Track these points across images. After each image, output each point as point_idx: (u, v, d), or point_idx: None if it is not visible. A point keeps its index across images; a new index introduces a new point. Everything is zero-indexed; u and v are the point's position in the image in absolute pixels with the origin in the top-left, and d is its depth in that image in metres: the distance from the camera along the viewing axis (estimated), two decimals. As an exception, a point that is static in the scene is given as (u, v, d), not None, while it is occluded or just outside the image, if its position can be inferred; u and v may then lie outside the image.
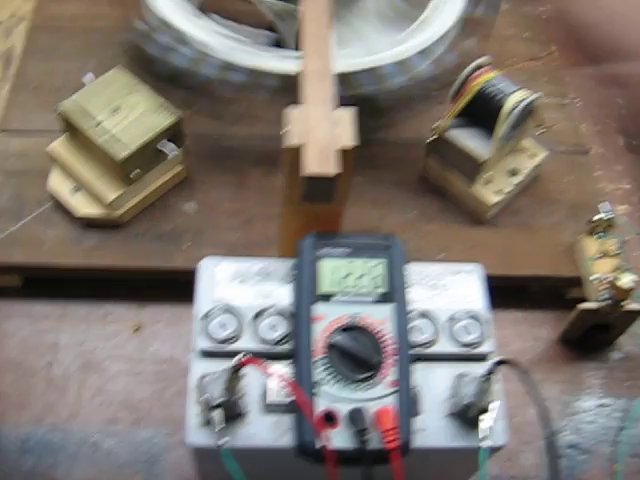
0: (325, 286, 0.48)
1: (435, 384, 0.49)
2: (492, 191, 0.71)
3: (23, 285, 0.69)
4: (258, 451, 0.47)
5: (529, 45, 0.88)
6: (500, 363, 0.46)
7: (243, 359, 0.43)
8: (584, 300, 0.67)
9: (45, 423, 0.62)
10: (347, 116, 0.50)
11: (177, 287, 0.62)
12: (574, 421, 0.67)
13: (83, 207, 0.68)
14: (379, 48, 0.73)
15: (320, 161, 0.48)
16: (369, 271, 0.49)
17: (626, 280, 0.63)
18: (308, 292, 0.48)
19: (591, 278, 0.67)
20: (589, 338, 0.69)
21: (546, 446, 0.45)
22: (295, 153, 0.49)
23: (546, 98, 0.81)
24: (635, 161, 0.85)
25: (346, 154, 0.49)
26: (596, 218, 0.69)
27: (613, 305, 0.65)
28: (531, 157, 0.74)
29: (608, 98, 0.90)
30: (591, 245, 0.70)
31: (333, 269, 0.49)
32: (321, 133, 0.49)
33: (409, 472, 0.47)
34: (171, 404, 0.64)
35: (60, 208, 0.69)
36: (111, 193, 0.67)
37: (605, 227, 0.69)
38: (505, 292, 0.71)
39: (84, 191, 0.68)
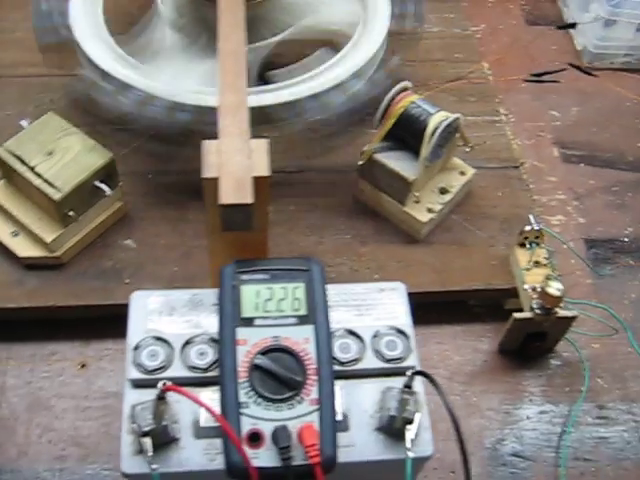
0: (247, 311, 0.50)
1: (362, 400, 0.51)
2: (423, 210, 0.73)
3: (-32, 329, 0.70)
4: (192, 475, 0.48)
5: (460, 65, 0.91)
6: (416, 374, 0.47)
7: (163, 387, 0.44)
8: (521, 310, 0.69)
9: (-6, 463, 0.63)
10: (262, 146, 0.52)
11: (120, 323, 0.63)
12: (516, 429, 0.68)
13: (24, 250, 0.69)
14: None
15: (235, 191, 0.49)
16: (289, 294, 0.51)
17: (553, 288, 0.65)
18: (231, 317, 0.50)
19: (524, 287, 0.69)
20: (527, 347, 0.71)
21: (460, 450, 0.46)
22: (213, 184, 0.50)
23: (475, 117, 0.84)
24: (569, 171, 0.87)
25: (261, 182, 0.51)
26: (527, 229, 0.72)
27: (545, 313, 0.67)
28: (461, 175, 0.76)
29: (542, 111, 0.93)
30: (523, 256, 0.72)
31: (254, 294, 0.51)
32: (236, 164, 0.51)
33: (341, 487, 0.49)
34: (118, 438, 0.64)
35: (1, 251, 0.70)
36: (50, 234, 0.68)
37: (534, 238, 0.72)
38: (443, 307, 0.74)
39: (24, 234, 0.70)
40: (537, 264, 0.71)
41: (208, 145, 0.52)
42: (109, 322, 0.69)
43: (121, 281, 0.69)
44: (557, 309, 0.67)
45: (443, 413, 0.68)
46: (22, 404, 0.66)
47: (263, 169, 0.51)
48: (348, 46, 0.78)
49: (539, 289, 0.67)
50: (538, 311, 0.67)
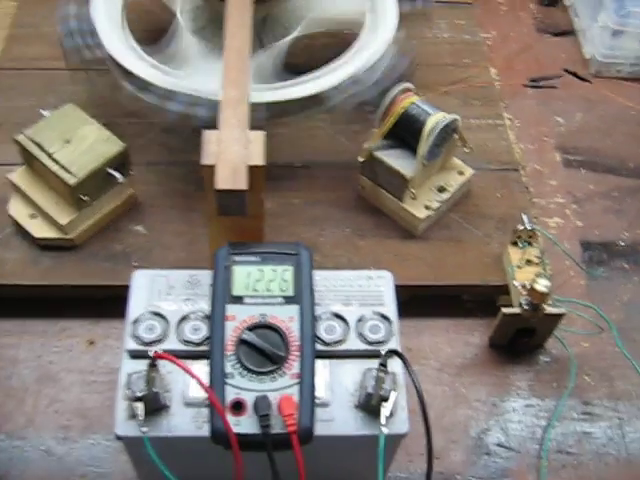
0: (237, 290, 0.54)
1: (344, 379, 0.54)
2: (421, 207, 0.76)
3: (-14, 305, 0.74)
4: (180, 440, 0.51)
5: (468, 71, 0.94)
6: (390, 353, 0.50)
7: (154, 354, 0.48)
8: (512, 305, 0.72)
9: (3, 431, 0.67)
10: (259, 138, 0.56)
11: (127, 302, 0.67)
12: (501, 421, 0.71)
13: (40, 231, 0.73)
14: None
15: (231, 177, 0.53)
16: (277, 276, 0.54)
17: (540, 285, 0.68)
18: (222, 295, 0.53)
19: (514, 284, 0.72)
20: (516, 342, 0.74)
21: (425, 431, 0.49)
22: (211, 171, 0.54)
23: (479, 120, 0.87)
24: (570, 176, 0.90)
25: (257, 171, 0.54)
26: (520, 228, 0.74)
27: (532, 309, 0.69)
28: (460, 175, 0.79)
29: (547, 117, 0.95)
30: (515, 254, 0.74)
31: (245, 274, 0.54)
32: (233, 153, 0.54)
33: (320, 461, 0.52)
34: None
35: (19, 232, 0.75)
36: (65, 217, 0.72)
37: (527, 237, 0.74)
38: (438, 301, 0.77)
39: (41, 216, 0.74)
40: (529, 262, 0.74)
41: (208, 135, 0.56)
42: (117, 302, 0.72)
43: (130, 264, 0.73)
44: (545, 306, 0.69)
45: (431, 401, 0.72)
46: (32, 376, 0.70)
47: (259, 159, 0.55)
48: (355, 47, 0.81)
49: (528, 286, 0.69)
50: (526, 307, 0.69)
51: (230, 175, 0.53)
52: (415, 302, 0.74)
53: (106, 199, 0.74)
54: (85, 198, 0.71)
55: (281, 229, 0.76)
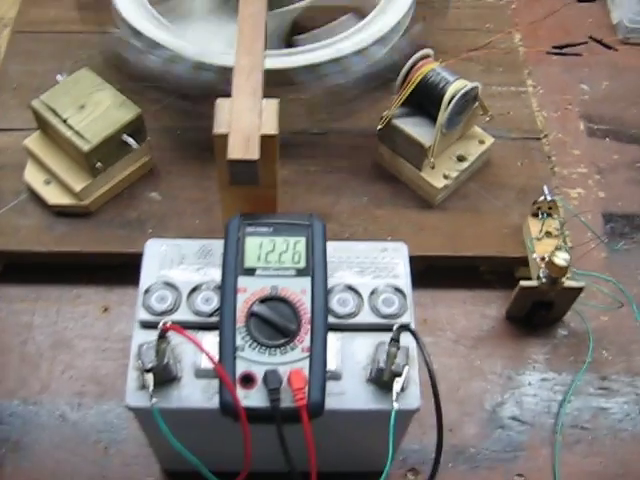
0: (249, 261, 0.53)
1: (356, 352, 0.53)
2: (439, 176, 0.75)
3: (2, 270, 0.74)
4: (189, 412, 0.51)
5: (490, 35, 0.91)
6: (401, 328, 0.49)
7: (163, 326, 0.48)
8: (531, 279, 0.71)
9: (18, 396, 0.68)
10: (272, 106, 0.55)
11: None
12: (516, 394, 0.70)
13: (54, 197, 0.73)
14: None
15: (243, 147, 0.52)
16: (290, 247, 0.53)
17: (559, 258, 0.66)
18: (233, 267, 0.53)
19: (533, 257, 0.71)
20: (534, 315, 0.72)
21: (435, 409, 0.48)
22: (223, 140, 0.53)
23: (501, 87, 0.85)
24: (593, 145, 0.88)
25: (269, 141, 0.53)
26: (540, 199, 0.73)
27: (551, 282, 0.68)
28: (480, 143, 0.77)
29: (572, 84, 0.93)
30: (535, 225, 0.73)
31: (257, 246, 0.53)
32: (245, 122, 0.53)
33: (330, 434, 0.52)
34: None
35: (34, 199, 0.75)
36: (79, 184, 0.72)
37: (547, 209, 0.73)
38: (455, 272, 0.76)
39: (55, 182, 0.73)
40: (548, 234, 0.72)
41: (221, 103, 0.55)
42: (131, 269, 0.71)
43: (144, 231, 0.73)
44: (563, 279, 0.68)
45: (445, 373, 0.71)
46: (47, 342, 0.71)
47: (272, 128, 0.53)
48: (373, 13, 0.79)
49: (547, 259, 0.68)
50: (544, 280, 0.68)
51: (242, 145, 0.52)
52: (432, 272, 0.73)
53: (121, 165, 0.74)
54: (99, 165, 0.71)
55: (297, 197, 0.75)
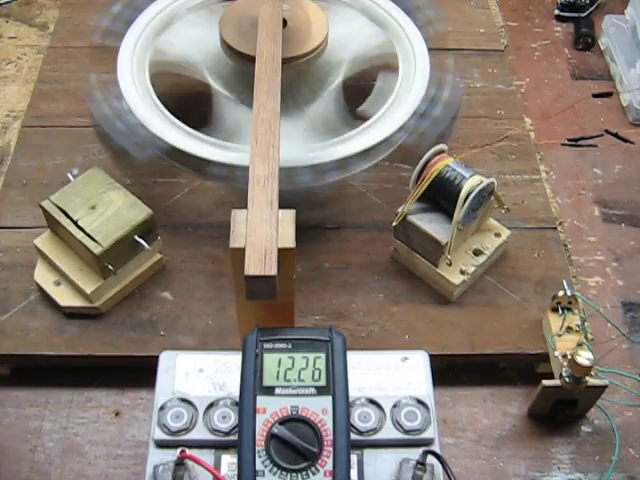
0: (268, 380, 0.51)
1: (380, 470, 0.52)
2: (456, 272, 0.73)
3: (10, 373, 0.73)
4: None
5: (502, 122, 0.91)
6: (427, 453, 0.48)
7: (180, 455, 0.46)
8: (552, 374, 0.69)
9: (28, 507, 0.66)
10: (289, 217, 0.54)
11: (154, 373, 0.65)
12: (543, 497, 0.68)
13: (65, 299, 0.72)
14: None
15: (260, 262, 0.51)
16: (309, 364, 0.52)
17: (583, 358, 0.65)
18: (252, 386, 0.51)
19: (555, 354, 0.69)
20: (557, 413, 0.70)
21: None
22: (240, 254, 0.52)
23: (515, 175, 0.85)
24: (609, 231, 0.87)
25: (287, 254, 0.52)
26: (560, 294, 0.71)
27: (574, 382, 0.66)
28: (496, 236, 0.76)
29: (585, 168, 0.92)
30: (556, 321, 0.71)
31: (275, 363, 0.52)
32: (262, 236, 0.52)
33: None
34: (146, 488, 0.66)
35: (44, 299, 0.73)
36: (90, 285, 0.71)
37: (567, 303, 0.71)
38: (474, 369, 0.74)
39: (66, 283, 0.72)
40: (569, 330, 0.71)
41: (238, 215, 0.54)
42: (144, 372, 0.70)
43: (157, 333, 0.71)
44: (587, 378, 0.66)
45: (468, 476, 0.69)
46: (57, 449, 0.69)
47: (289, 241, 0.52)
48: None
49: (569, 357, 0.66)
50: (567, 379, 0.66)
51: (259, 260, 0.51)
52: (450, 370, 0.71)
53: (132, 265, 0.73)
54: (111, 267, 0.70)
55: (311, 295, 0.74)
